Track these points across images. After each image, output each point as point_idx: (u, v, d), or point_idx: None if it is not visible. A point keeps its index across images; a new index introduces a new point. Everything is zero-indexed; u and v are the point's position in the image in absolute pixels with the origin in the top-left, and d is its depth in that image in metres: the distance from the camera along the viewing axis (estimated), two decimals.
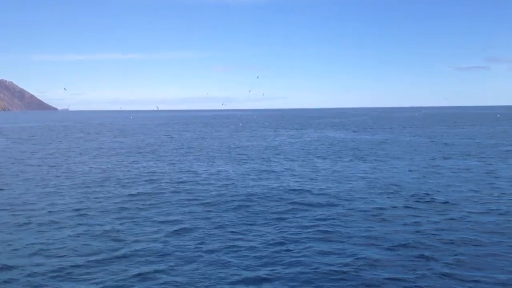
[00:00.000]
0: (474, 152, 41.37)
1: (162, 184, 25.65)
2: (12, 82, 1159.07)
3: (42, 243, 14.87)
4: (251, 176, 28.41)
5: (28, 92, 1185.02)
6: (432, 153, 40.59)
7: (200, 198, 21.79)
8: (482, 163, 33.29)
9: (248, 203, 20.56)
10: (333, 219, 17.70)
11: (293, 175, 28.90)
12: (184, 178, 27.68)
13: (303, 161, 36.24)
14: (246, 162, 35.64)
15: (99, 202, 21.08)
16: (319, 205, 20.13)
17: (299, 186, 24.63)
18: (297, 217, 18.02)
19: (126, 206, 20.16)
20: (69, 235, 15.71)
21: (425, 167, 31.51)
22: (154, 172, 30.34)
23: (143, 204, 20.48)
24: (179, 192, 23.36)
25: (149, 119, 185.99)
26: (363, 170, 30.45)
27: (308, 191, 23.30)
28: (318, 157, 39.08)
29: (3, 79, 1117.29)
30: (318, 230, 16.19)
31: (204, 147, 49.71)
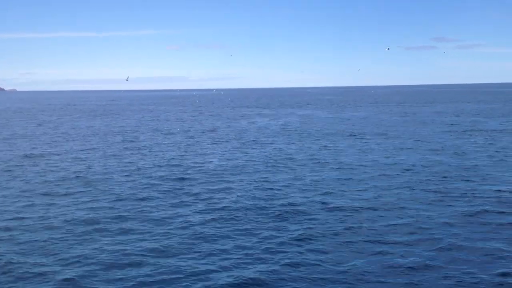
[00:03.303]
0: (471, 128, 42.32)
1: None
2: None
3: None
4: (260, 164, 27.69)
5: None
6: (433, 130, 41.18)
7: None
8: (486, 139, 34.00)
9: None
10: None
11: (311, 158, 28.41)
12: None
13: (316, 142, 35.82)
14: (249, 147, 34.79)
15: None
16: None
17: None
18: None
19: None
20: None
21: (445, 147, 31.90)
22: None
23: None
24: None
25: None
26: (385, 149, 30.41)
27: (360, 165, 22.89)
28: (331, 139, 38.74)
29: None
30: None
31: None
